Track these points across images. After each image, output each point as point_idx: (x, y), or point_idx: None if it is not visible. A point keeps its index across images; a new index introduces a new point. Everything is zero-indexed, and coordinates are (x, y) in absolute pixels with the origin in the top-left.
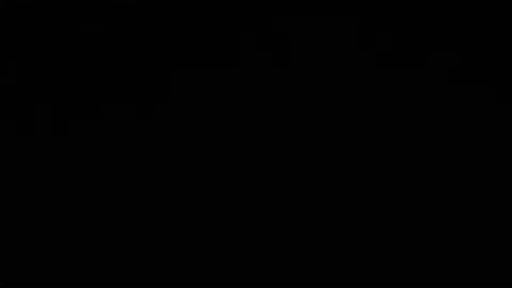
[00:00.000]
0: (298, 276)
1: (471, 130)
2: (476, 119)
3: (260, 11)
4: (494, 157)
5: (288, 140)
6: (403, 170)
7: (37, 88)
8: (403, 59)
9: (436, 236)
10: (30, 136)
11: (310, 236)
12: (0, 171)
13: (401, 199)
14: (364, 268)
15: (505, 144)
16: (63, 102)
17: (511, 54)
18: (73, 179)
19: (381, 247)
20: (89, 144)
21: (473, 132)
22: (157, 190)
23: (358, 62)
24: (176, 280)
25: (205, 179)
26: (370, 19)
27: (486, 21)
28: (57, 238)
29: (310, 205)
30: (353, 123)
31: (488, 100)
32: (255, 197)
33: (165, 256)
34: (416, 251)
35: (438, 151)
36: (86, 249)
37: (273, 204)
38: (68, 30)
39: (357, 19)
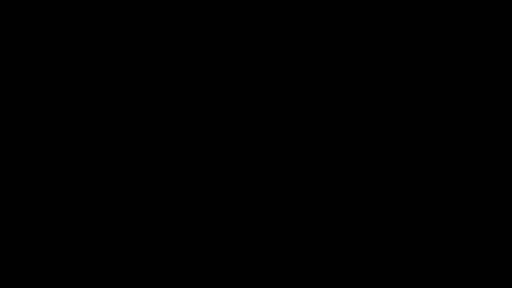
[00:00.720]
0: (298, 276)
1: (471, 130)
2: (476, 119)
3: (260, 11)
4: (494, 157)
5: (288, 140)
6: (403, 170)
7: (37, 88)
8: (403, 59)
9: (436, 236)
10: (30, 136)
11: (310, 236)
12: (0, 171)
13: (401, 199)
14: (364, 268)
15: (505, 144)
16: (63, 102)
17: (511, 54)
18: (73, 179)
19: (381, 247)
20: (89, 144)
21: (473, 132)
22: (157, 190)
23: (358, 62)
24: (176, 280)
25: (205, 179)
26: (370, 19)
27: (486, 21)
28: (57, 238)
29: (310, 205)
30: (353, 123)
31: (488, 100)
32: (255, 197)
33: (165, 256)
34: (416, 252)
35: (438, 151)
36: (86, 249)
37: (273, 204)
38: (68, 30)
39: (357, 19)
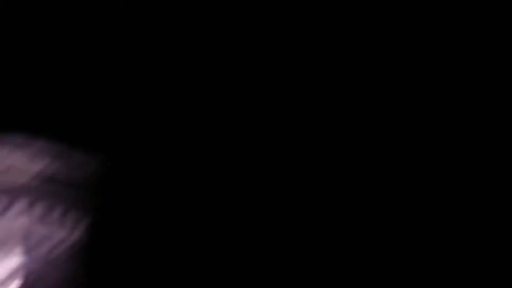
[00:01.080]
0: (298, 277)
1: (471, 129)
2: (476, 118)
3: (260, 11)
4: (494, 157)
5: (287, 140)
6: (403, 170)
7: (37, 89)
8: (403, 59)
9: (436, 236)
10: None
11: (310, 237)
12: None
13: (401, 200)
14: (364, 268)
15: (505, 144)
16: (63, 102)
17: (511, 54)
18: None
19: (381, 247)
20: (89, 144)
21: (473, 132)
22: (157, 190)
23: (358, 61)
24: (176, 281)
25: (205, 180)
26: (369, 19)
27: (486, 20)
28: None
29: (310, 205)
30: (353, 123)
31: (488, 100)
32: (255, 197)
33: (165, 257)
34: (416, 252)
35: (437, 151)
36: (86, 249)
37: (273, 205)
38: (68, 30)
39: (355, 19)
